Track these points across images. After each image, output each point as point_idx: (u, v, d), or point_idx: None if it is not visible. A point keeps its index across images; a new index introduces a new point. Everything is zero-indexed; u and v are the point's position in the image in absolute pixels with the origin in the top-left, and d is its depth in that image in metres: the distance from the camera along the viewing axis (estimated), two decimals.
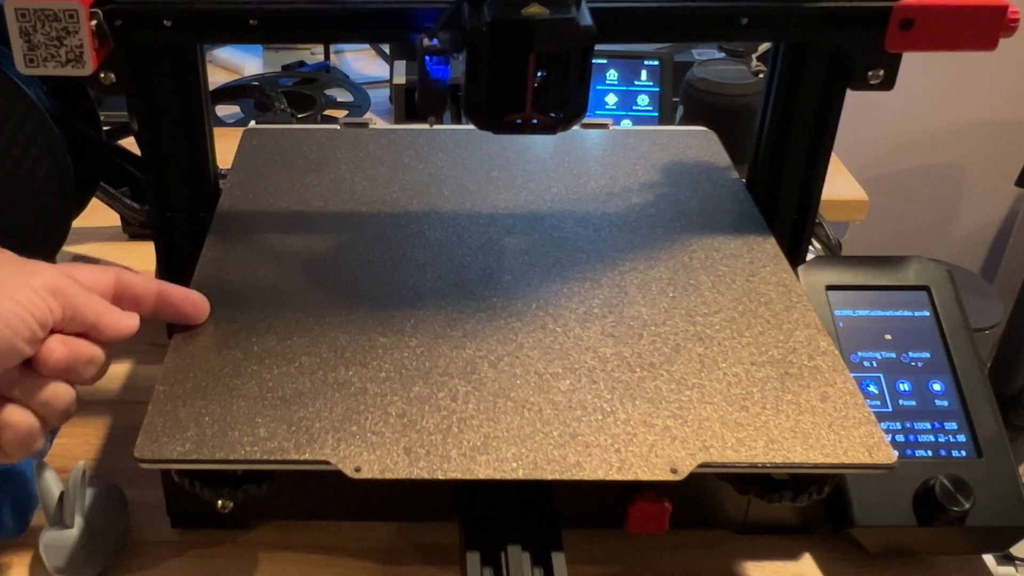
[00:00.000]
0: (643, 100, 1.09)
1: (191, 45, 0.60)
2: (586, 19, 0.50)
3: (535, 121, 0.52)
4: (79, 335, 0.49)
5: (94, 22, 0.53)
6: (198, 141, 0.63)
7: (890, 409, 0.61)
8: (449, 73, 0.51)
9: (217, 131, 0.66)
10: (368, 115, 1.22)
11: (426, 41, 0.50)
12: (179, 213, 0.65)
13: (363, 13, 0.57)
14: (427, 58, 0.50)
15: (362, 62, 1.44)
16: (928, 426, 0.60)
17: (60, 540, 0.56)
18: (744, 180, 0.71)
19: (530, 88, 0.50)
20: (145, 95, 0.61)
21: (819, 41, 0.61)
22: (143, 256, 0.83)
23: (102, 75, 0.56)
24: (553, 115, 0.52)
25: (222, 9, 0.57)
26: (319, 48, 1.39)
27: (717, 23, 0.59)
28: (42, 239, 0.70)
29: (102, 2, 0.54)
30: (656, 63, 1.10)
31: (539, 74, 0.50)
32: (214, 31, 0.58)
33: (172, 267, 0.67)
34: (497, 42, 0.49)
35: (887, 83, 0.59)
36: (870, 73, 0.59)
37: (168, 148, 0.63)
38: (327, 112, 1.22)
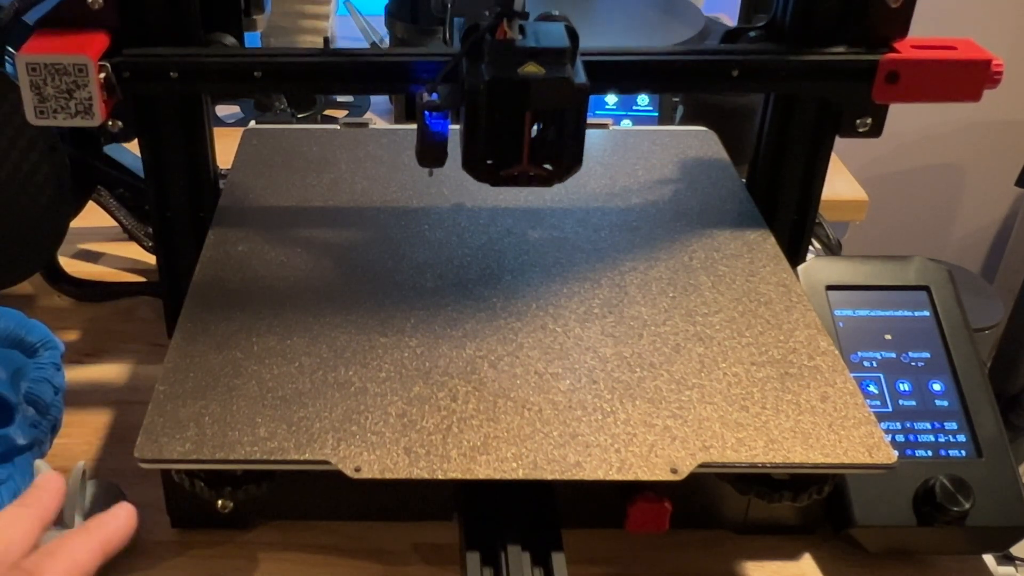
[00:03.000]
0: (643, 100, 1.09)
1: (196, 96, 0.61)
2: (580, 77, 0.51)
3: (531, 174, 0.53)
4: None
5: (103, 75, 0.54)
6: (198, 141, 0.63)
7: (890, 409, 0.61)
8: (448, 127, 0.53)
9: (217, 131, 0.66)
10: (368, 115, 1.22)
11: (425, 96, 0.52)
12: (179, 213, 0.65)
13: (364, 66, 0.58)
14: (426, 113, 0.52)
15: None
16: (928, 426, 0.60)
17: None
18: (744, 180, 0.71)
19: (526, 143, 0.52)
20: (151, 134, 0.62)
21: (808, 92, 0.62)
22: (143, 256, 0.83)
23: (110, 123, 0.58)
24: (549, 168, 0.53)
25: (227, 63, 0.58)
26: None
27: (708, 75, 0.60)
28: (40, 240, 0.70)
29: (110, 55, 0.55)
30: None
31: (535, 128, 0.52)
32: (219, 83, 0.59)
33: (172, 267, 0.67)
34: (494, 100, 0.50)
35: (875, 131, 0.61)
36: (858, 121, 0.60)
37: (168, 149, 0.63)
38: (327, 112, 1.21)
